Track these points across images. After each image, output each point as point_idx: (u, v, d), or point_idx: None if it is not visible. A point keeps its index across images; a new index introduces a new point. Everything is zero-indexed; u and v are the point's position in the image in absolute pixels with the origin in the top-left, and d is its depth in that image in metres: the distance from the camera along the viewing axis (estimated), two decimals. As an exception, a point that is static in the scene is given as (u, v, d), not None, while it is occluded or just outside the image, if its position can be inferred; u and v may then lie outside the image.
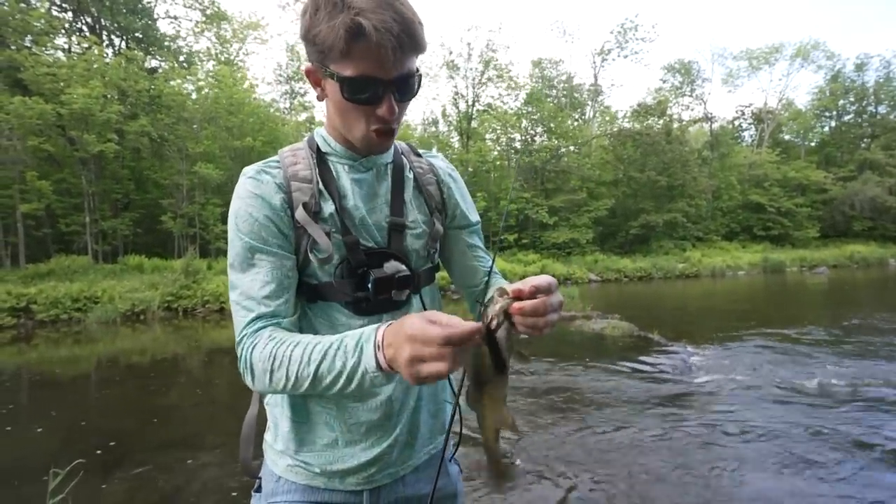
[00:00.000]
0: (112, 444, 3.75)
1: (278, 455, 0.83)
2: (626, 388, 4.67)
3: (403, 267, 0.79)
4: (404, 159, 0.88)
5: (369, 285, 0.75)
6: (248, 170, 0.79)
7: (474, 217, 0.95)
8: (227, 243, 0.78)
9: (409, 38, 0.67)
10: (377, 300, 0.77)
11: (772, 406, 4.07)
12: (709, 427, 3.60)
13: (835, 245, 26.10)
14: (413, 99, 0.75)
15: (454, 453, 0.95)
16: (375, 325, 0.64)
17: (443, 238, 0.91)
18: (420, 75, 0.74)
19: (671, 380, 4.92)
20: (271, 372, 0.68)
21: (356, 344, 0.64)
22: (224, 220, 15.97)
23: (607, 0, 56.72)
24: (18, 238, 13.42)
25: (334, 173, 0.80)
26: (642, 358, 5.81)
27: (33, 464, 3.31)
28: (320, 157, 0.81)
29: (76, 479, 2.37)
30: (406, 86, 0.72)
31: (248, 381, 0.73)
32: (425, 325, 0.55)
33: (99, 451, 3.56)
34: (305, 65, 0.75)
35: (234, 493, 2.83)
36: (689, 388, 4.61)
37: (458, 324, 0.55)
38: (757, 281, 18.09)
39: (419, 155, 0.91)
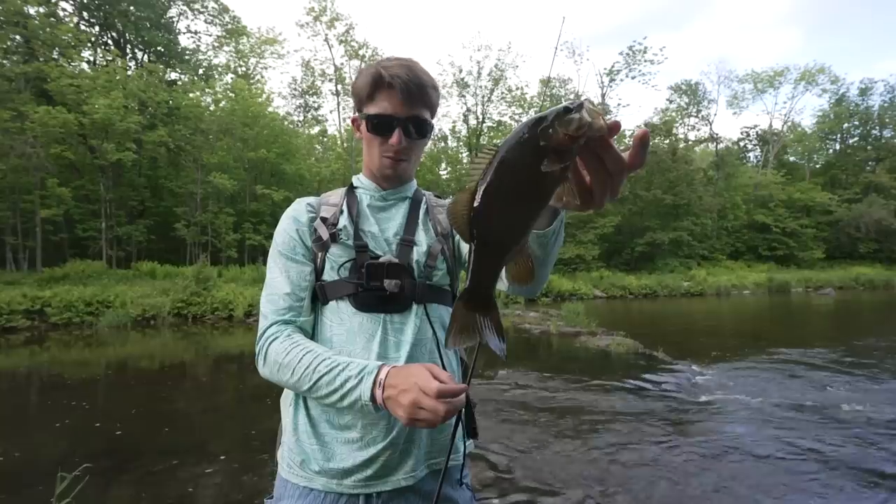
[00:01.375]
0: (119, 448, 3.74)
1: (284, 455, 0.90)
2: (630, 405, 4.66)
3: (396, 259, 0.90)
4: (424, 198, 1.03)
5: (364, 272, 0.89)
6: (296, 201, 1.01)
7: None
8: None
9: (417, 88, 0.90)
10: (370, 287, 0.88)
11: (776, 427, 4.03)
12: (713, 447, 3.59)
13: (840, 266, 25.97)
14: (422, 140, 0.95)
15: (462, 475, 0.94)
16: (379, 363, 0.78)
17: (459, 254, 1.01)
18: (431, 125, 0.96)
19: (675, 398, 4.90)
20: (280, 365, 0.84)
21: (359, 372, 0.77)
22: (236, 230, 16.31)
23: (615, 22, 57.73)
24: (36, 242, 13.72)
25: (358, 199, 0.99)
26: (647, 376, 5.78)
27: (41, 466, 3.30)
28: (350, 190, 1.01)
29: (82, 482, 2.36)
30: (414, 126, 0.92)
31: (259, 364, 0.89)
32: (429, 377, 0.71)
33: (106, 455, 3.53)
34: (352, 115, 0.99)
35: (240, 501, 2.82)
36: (694, 407, 4.60)
37: (451, 382, 0.72)
38: (762, 301, 17.98)
39: (440, 197, 1.07)
